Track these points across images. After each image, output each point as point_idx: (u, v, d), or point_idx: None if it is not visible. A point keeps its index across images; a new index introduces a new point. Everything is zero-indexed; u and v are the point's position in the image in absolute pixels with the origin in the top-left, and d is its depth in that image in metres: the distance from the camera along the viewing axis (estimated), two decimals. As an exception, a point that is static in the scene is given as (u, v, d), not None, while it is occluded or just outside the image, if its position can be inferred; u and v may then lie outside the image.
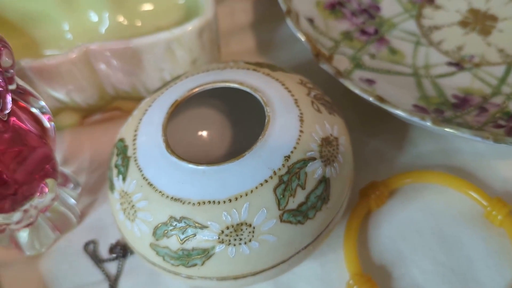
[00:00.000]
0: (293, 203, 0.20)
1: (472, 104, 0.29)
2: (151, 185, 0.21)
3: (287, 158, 0.21)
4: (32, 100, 0.24)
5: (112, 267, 0.27)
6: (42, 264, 0.27)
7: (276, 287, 0.25)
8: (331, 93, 0.27)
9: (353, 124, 0.30)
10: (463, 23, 0.35)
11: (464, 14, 0.35)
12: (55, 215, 0.27)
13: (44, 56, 0.32)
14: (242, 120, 0.29)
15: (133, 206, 0.21)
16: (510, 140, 0.24)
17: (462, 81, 0.31)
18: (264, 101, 0.22)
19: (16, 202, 0.24)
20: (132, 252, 0.27)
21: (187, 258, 0.20)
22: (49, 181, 0.25)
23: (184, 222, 0.20)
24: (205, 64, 0.30)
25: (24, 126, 0.23)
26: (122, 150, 0.23)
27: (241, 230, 0.20)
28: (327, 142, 0.22)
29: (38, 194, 0.25)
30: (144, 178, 0.21)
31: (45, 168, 0.25)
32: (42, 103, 0.24)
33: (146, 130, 0.23)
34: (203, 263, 0.20)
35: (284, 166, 0.21)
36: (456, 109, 0.29)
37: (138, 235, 0.21)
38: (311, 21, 0.32)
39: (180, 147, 0.26)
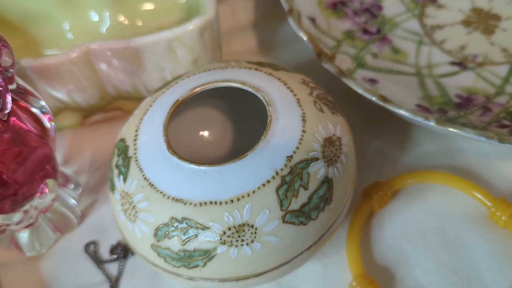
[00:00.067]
0: (295, 204, 0.20)
1: (476, 104, 0.29)
2: (152, 185, 0.21)
3: (290, 158, 0.21)
4: (32, 100, 0.24)
5: (113, 268, 0.26)
6: (42, 265, 0.27)
7: (278, 289, 0.25)
8: (333, 93, 0.26)
9: (355, 124, 0.29)
10: (466, 22, 0.34)
11: (467, 13, 0.35)
12: (55, 215, 0.27)
13: (44, 56, 0.32)
14: (244, 120, 0.28)
15: (134, 206, 0.21)
16: (514, 140, 0.23)
17: (465, 80, 0.31)
18: (266, 100, 0.22)
19: (16, 203, 0.24)
20: (133, 253, 0.27)
21: (189, 259, 0.20)
22: (49, 181, 0.25)
23: (186, 223, 0.20)
24: (206, 63, 0.30)
25: (24, 126, 0.23)
26: (123, 150, 0.23)
27: (243, 231, 0.20)
28: (330, 142, 0.22)
29: (39, 194, 0.25)
30: (145, 178, 0.21)
31: (46, 168, 0.25)
32: (43, 103, 0.24)
33: (147, 130, 0.23)
34: (204, 265, 0.20)
35: (286, 167, 0.20)
36: (459, 109, 0.29)
37: (139, 236, 0.21)
38: (313, 20, 0.32)
39: (181, 147, 0.25)
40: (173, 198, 0.20)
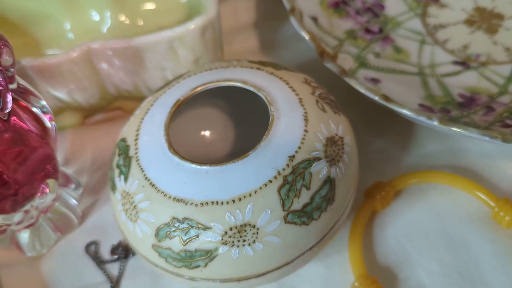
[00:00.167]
0: (297, 204, 0.20)
1: (479, 104, 0.29)
2: (153, 185, 0.21)
3: (292, 158, 0.20)
4: (33, 99, 0.24)
5: (113, 269, 0.26)
6: (43, 265, 0.27)
7: (280, 289, 0.25)
8: (335, 93, 0.26)
9: (357, 124, 0.29)
10: (469, 22, 0.34)
11: (470, 13, 0.35)
12: (56, 215, 0.27)
13: (45, 55, 0.32)
14: (246, 119, 0.28)
15: (135, 206, 0.21)
16: (518, 140, 0.23)
17: (468, 80, 0.31)
18: (268, 100, 0.22)
19: (17, 203, 0.24)
20: (134, 253, 0.26)
21: (190, 259, 0.20)
22: (50, 181, 0.25)
23: (187, 223, 0.20)
24: (207, 63, 0.30)
25: (25, 126, 0.23)
26: (123, 150, 0.23)
27: (245, 231, 0.19)
28: (332, 141, 0.22)
29: (39, 194, 0.24)
30: (146, 178, 0.21)
31: (46, 168, 0.24)
32: (43, 102, 0.24)
33: (148, 130, 0.23)
34: (206, 265, 0.20)
35: (288, 166, 0.20)
36: (462, 109, 0.28)
37: (140, 236, 0.21)
38: (315, 19, 0.32)
39: (182, 147, 0.25)
40: (174, 198, 0.20)
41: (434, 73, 0.31)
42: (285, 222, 0.20)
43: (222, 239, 0.19)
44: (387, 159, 0.29)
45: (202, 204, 0.20)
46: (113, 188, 0.23)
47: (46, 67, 0.28)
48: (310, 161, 0.21)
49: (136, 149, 0.22)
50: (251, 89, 0.23)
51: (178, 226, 0.20)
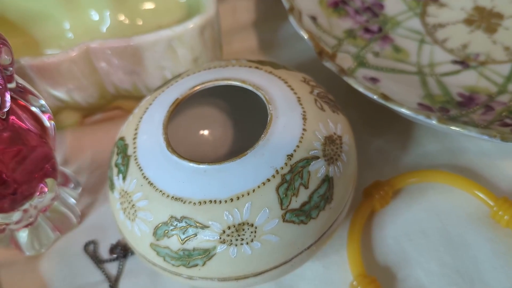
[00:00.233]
0: (296, 203, 0.20)
1: (478, 103, 0.29)
2: (151, 184, 0.21)
3: (290, 156, 0.20)
4: (32, 98, 0.24)
5: (112, 268, 0.26)
6: (42, 264, 0.27)
7: (279, 288, 0.25)
8: (335, 92, 0.26)
9: (356, 123, 0.29)
10: (468, 21, 0.34)
11: (469, 12, 0.35)
12: (55, 215, 0.27)
13: (44, 55, 0.32)
14: (245, 118, 0.28)
15: (133, 205, 0.21)
16: (517, 139, 0.23)
17: (467, 79, 0.30)
18: (267, 99, 0.22)
19: (15, 202, 0.24)
20: (132, 253, 0.26)
21: (188, 258, 0.20)
22: (49, 180, 0.25)
23: (185, 222, 0.20)
24: (206, 62, 0.30)
25: (23, 125, 0.23)
26: (122, 149, 0.23)
27: (243, 230, 0.19)
28: (331, 140, 0.22)
29: (38, 193, 0.24)
30: (144, 177, 0.21)
31: (45, 167, 0.24)
32: (42, 101, 0.24)
33: (146, 129, 0.23)
34: (204, 264, 0.20)
35: (286, 165, 0.20)
36: (461, 108, 0.28)
37: (138, 235, 0.21)
38: (314, 19, 0.32)
39: (181, 146, 0.25)
40: (173, 197, 0.20)
41: (433, 72, 0.31)
42: (283, 221, 0.20)
43: (220, 238, 0.19)
44: (386, 158, 0.29)
45: (200, 203, 0.20)
46: (112, 187, 0.23)
47: (45, 67, 0.28)
48: (308, 160, 0.21)
49: (134, 148, 0.22)
50: (250, 88, 0.23)
51: (176, 225, 0.20)
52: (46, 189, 0.25)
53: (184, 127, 0.27)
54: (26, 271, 0.26)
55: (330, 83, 0.29)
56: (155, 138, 0.22)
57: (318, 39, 0.29)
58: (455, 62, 0.32)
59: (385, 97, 0.25)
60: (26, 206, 0.24)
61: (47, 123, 0.25)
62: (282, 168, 0.20)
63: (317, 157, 0.21)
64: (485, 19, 0.34)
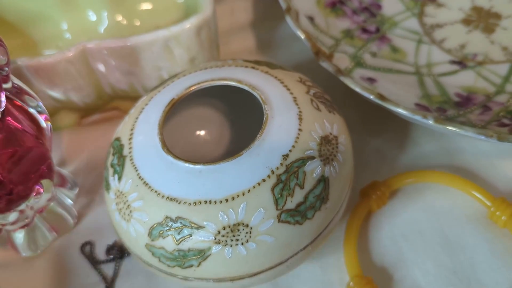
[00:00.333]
0: (291, 203, 0.20)
1: (476, 103, 0.29)
2: (146, 184, 0.21)
3: (286, 157, 0.20)
4: (28, 99, 0.24)
5: (109, 269, 0.26)
6: (38, 265, 0.27)
7: (275, 289, 0.25)
8: (332, 93, 0.26)
9: (354, 123, 0.29)
10: (466, 21, 0.34)
11: (467, 12, 0.35)
12: (51, 215, 0.27)
13: (41, 55, 0.32)
14: (241, 119, 0.28)
15: (128, 206, 0.21)
16: (514, 139, 0.23)
17: (465, 79, 0.30)
18: (263, 99, 0.22)
19: (11, 202, 0.24)
20: (129, 254, 0.26)
21: (183, 259, 0.20)
22: (45, 181, 0.25)
23: (180, 222, 0.20)
24: (203, 62, 0.30)
25: (19, 126, 0.23)
26: (118, 149, 0.23)
27: (238, 230, 0.19)
28: (327, 140, 0.22)
29: (34, 194, 0.24)
30: (139, 177, 0.21)
31: (41, 168, 0.24)
32: (39, 102, 0.24)
33: (142, 129, 0.23)
34: (199, 264, 0.20)
35: (282, 165, 0.20)
36: (459, 108, 0.28)
37: (133, 235, 0.21)
38: (311, 19, 0.32)
39: (177, 146, 0.25)
40: (168, 197, 0.20)
41: (431, 72, 0.31)
42: (279, 221, 0.20)
43: (215, 239, 0.19)
44: (383, 159, 0.29)
45: (195, 203, 0.20)
46: (107, 187, 0.23)
47: (42, 67, 0.28)
48: (304, 160, 0.20)
49: (130, 148, 0.22)
50: (246, 88, 0.23)
51: (171, 225, 0.20)
52: (42, 190, 0.24)
53: (180, 127, 0.27)
54: (23, 272, 0.26)
55: (328, 83, 0.29)
56: (151, 139, 0.22)
57: (315, 39, 0.29)
58: (452, 62, 0.32)
59: (381, 97, 0.25)
60: (22, 206, 0.24)
61: (43, 123, 0.24)
62: (277, 168, 0.20)
63: (312, 157, 0.21)
64: (483, 19, 0.34)
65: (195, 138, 0.28)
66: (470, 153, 0.29)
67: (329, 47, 0.30)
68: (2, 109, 0.21)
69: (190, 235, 0.20)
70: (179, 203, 0.20)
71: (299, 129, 0.21)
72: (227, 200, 0.20)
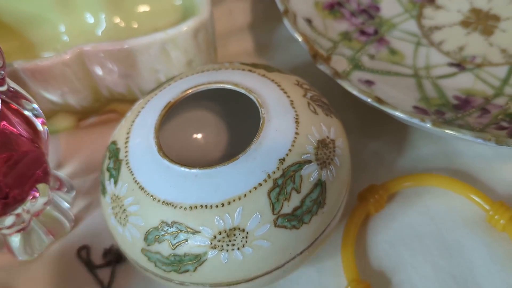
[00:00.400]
0: (287, 208, 0.20)
1: (474, 106, 0.28)
2: (142, 188, 0.21)
3: (282, 161, 0.20)
4: (24, 102, 0.24)
5: (105, 273, 0.26)
6: (34, 269, 0.26)
7: (272, 293, 0.24)
8: (330, 95, 0.26)
9: (352, 126, 0.29)
10: (465, 23, 0.34)
11: (466, 14, 0.34)
12: (48, 219, 0.27)
13: (38, 58, 0.32)
14: (238, 122, 0.28)
15: (124, 210, 0.21)
16: (512, 142, 0.23)
17: (463, 82, 0.30)
18: (259, 102, 0.22)
19: (7, 206, 0.24)
20: (125, 258, 0.26)
21: (179, 264, 0.20)
22: (41, 185, 0.24)
23: (176, 227, 0.20)
24: (200, 65, 0.29)
25: (15, 130, 0.23)
26: (114, 153, 0.23)
27: (234, 235, 0.19)
28: (324, 144, 0.21)
29: (31, 198, 0.24)
30: (135, 181, 0.21)
31: (37, 172, 0.24)
32: (35, 105, 0.24)
33: (138, 133, 0.22)
34: (195, 269, 0.20)
35: (278, 169, 0.20)
36: (457, 111, 0.28)
37: (129, 240, 0.21)
38: (309, 21, 0.32)
39: (174, 150, 0.25)
40: (164, 202, 0.20)
41: (429, 75, 0.31)
42: (275, 226, 0.19)
43: (211, 243, 0.19)
44: (381, 162, 0.29)
45: (191, 207, 0.20)
46: (103, 191, 0.22)
47: (38, 70, 0.27)
48: (300, 164, 0.20)
49: (126, 152, 0.22)
50: (242, 91, 0.23)
51: (167, 230, 0.20)
52: (37, 194, 0.24)
53: (178, 131, 0.27)
54: (19, 276, 0.26)
55: (326, 86, 0.29)
56: (147, 142, 0.22)
57: (313, 41, 0.29)
58: (451, 64, 0.32)
59: (379, 100, 0.25)
60: (18, 210, 0.24)
61: (40, 127, 0.24)
62: (274, 172, 0.20)
63: (309, 161, 0.21)
64: (481, 21, 0.34)
65: (191, 141, 0.28)
66: (468, 157, 0.29)
67: (327, 50, 0.30)
68: (-3, 113, 0.21)
69: (186, 240, 0.19)
70: (174, 208, 0.20)
71: (296, 133, 0.21)
72: (223, 204, 0.19)
